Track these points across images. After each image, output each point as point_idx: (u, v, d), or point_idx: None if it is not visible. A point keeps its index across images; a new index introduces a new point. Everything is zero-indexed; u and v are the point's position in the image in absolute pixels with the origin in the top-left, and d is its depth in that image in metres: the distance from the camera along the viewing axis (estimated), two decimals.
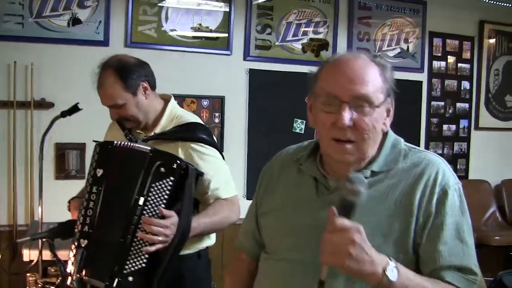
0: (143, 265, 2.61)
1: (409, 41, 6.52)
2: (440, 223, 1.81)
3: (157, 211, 2.62)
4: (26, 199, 5.02)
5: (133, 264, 2.62)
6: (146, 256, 2.61)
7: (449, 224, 1.81)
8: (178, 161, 2.69)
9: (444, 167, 1.91)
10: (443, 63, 6.80)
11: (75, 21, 5.11)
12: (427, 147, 6.71)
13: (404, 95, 6.21)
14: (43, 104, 5.00)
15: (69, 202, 3.20)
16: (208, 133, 3.08)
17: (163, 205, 2.63)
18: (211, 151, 3.01)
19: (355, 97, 1.82)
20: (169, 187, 2.64)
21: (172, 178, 2.65)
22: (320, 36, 6.08)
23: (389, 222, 1.83)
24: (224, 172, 3.06)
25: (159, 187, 2.64)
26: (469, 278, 1.81)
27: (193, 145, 2.97)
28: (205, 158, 2.96)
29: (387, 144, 1.97)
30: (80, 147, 5.08)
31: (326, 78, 1.90)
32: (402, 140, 2.02)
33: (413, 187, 1.86)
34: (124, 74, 2.97)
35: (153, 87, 3.09)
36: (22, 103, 4.99)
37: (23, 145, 5.03)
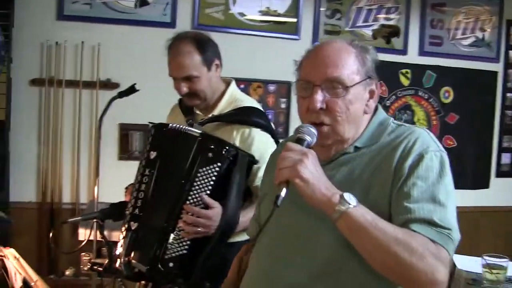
0: (184, 251, 2.58)
1: (485, 29, 6.25)
2: (411, 184, 1.82)
3: (201, 199, 2.57)
4: (88, 178, 5.07)
5: (174, 250, 2.59)
6: (188, 243, 2.58)
7: (421, 185, 1.82)
8: (227, 147, 2.63)
9: (426, 136, 1.95)
10: None
11: (143, 2, 5.12)
12: (500, 140, 6.47)
13: (478, 85, 6.06)
14: (109, 85, 5.05)
15: (126, 188, 3.19)
16: (264, 118, 3.02)
17: (208, 192, 2.58)
18: (264, 137, 2.94)
19: (327, 80, 1.92)
20: (215, 173, 2.59)
21: (219, 164, 2.59)
22: (392, 23, 5.90)
23: (369, 191, 1.88)
24: None
25: (205, 173, 2.59)
26: (442, 231, 1.76)
27: (247, 129, 2.92)
28: (256, 144, 2.90)
29: (373, 122, 2.06)
30: (144, 128, 5.03)
31: (303, 65, 2.02)
32: (391, 119, 2.09)
33: (392, 154, 1.91)
34: (203, 46, 2.96)
35: (221, 68, 3.09)
36: (88, 83, 5.05)
37: (87, 125, 5.10)
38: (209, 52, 2.98)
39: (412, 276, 1.72)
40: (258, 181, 2.84)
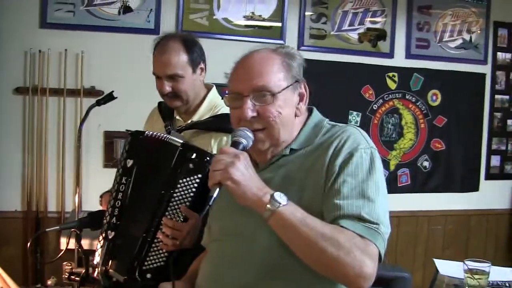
0: (162, 263, 2.56)
1: (472, 31, 6.24)
2: (341, 181, 1.91)
3: (180, 210, 2.54)
4: (74, 186, 5.00)
5: (152, 261, 2.57)
6: (166, 254, 2.55)
7: (351, 182, 1.91)
8: (208, 158, 2.59)
9: (357, 134, 2.04)
10: (508, 55, 6.45)
11: (126, 9, 5.09)
12: (489, 142, 6.45)
13: (466, 88, 6.06)
14: (93, 92, 5.01)
15: (101, 196, 3.18)
16: None
17: (188, 203, 2.54)
18: None
19: (254, 89, 2.02)
20: (195, 184, 2.54)
21: (199, 176, 2.55)
22: (378, 26, 5.87)
23: (303, 192, 1.97)
24: None
25: (186, 184, 2.55)
26: (369, 226, 1.84)
27: (226, 137, 2.90)
28: None
29: (308, 125, 2.16)
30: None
31: (231, 78, 2.12)
32: (326, 119, 2.20)
33: (324, 153, 1.99)
34: (190, 47, 2.99)
35: (205, 73, 3.11)
36: (72, 91, 5.02)
37: (72, 133, 5.05)
38: (196, 53, 3.00)
39: (340, 270, 1.79)
40: None
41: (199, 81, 3.06)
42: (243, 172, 1.86)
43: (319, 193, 1.94)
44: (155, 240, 2.56)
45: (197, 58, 3.01)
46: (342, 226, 1.82)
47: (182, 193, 2.55)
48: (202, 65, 3.05)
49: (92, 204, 4.39)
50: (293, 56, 2.12)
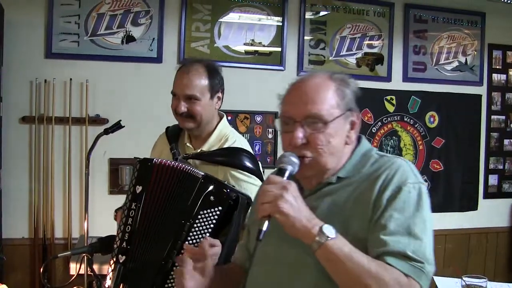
0: None
1: (467, 53, 6.34)
2: (387, 216, 1.88)
3: (201, 239, 2.50)
4: (80, 213, 5.11)
5: None
6: None
7: (398, 218, 1.87)
8: (229, 190, 2.62)
9: (406, 168, 2.00)
10: (503, 76, 6.58)
11: (129, 38, 5.20)
12: (486, 162, 6.54)
13: (463, 109, 6.09)
14: (97, 120, 5.11)
15: (116, 211, 3.22)
16: (251, 160, 3.06)
17: (208, 234, 2.55)
18: (250, 178, 2.99)
19: (307, 116, 1.99)
20: (216, 217, 2.56)
21: (220, 208, 2.57)
22: (375, 50, 5.99)
23: (350, 222, 1.94)
24: None
25: (207, 215, 2.57)
26: (415, 265, 1.82)
27: (232, 172, 2.97)
28: (242, 185, 2.93)
29: (357, 153, 2.13)
30: (134, 163, 5.07)
31: (285, 100, 2.10)
32: (374, 149, 2.17)
33: (372, 185, 1.96)
34: (212, 73, 3.07)
35: (221, 103, 3.19)
36: (77, 119, 5.11)
37: (78, 160, 5.14)
38: (216, 81, 3.09)
39: None
40: None
41: (214, 108, 3.12)
42: (292, 203, 1.83)
43: (366, 224, 1.92)
44: (174, 269, 2.53)
45: (217, 85, 3.08)
46: (387, 263, 1.80)
47: (203, 223, 2.56)
48: (220, 94, 3.12)
49: (99, 229, 4.46)
50: (347, 84, 2.09)
